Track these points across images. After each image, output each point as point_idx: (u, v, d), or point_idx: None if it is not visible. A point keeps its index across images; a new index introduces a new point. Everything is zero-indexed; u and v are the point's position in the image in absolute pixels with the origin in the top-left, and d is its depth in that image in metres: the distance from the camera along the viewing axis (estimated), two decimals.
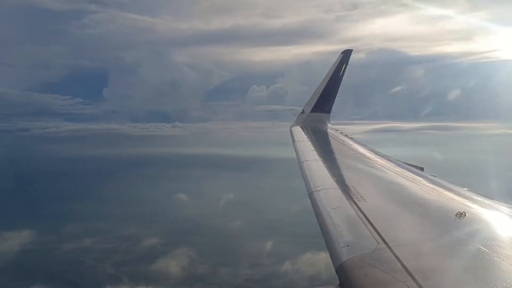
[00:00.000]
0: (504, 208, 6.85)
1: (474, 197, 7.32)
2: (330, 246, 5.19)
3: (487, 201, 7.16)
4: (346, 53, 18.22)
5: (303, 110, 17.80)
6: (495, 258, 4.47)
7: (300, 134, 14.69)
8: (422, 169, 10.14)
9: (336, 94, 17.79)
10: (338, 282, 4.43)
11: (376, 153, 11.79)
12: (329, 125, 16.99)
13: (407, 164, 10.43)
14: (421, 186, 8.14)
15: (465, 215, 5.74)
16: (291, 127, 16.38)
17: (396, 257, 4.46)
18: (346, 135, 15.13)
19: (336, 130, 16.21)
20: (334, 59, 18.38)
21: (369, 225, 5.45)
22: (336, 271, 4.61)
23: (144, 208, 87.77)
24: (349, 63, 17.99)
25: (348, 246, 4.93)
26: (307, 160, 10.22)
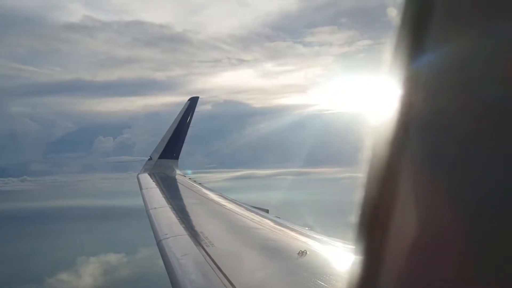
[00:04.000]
0: (340, 244, 7.43)
1: (314, 236, 7.82)
2: None
3: (325, 238, 7.70)
4: (193, 100, 18.61)
5: (150, 157, 17.50)
6: None
7: (147, 181, 14.34)
8: (267, 211, 10.58)
9: (184, 140, 17.90)
10: None
11: (225, 198, 12.01)
12: (178, 171, 16.92)
13: (253, 207, 10.79)
14: (266, 228, 8.45)
15: (306, 253, 6.06)
16: (138, 174, 15.93)
17: None
18: (195, 181, 15.19)
19: (185, 176, 16.19)
20: None
21: (217, 270, 5.44)
22: None
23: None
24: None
25: None
26: (155, 208, 9.96)
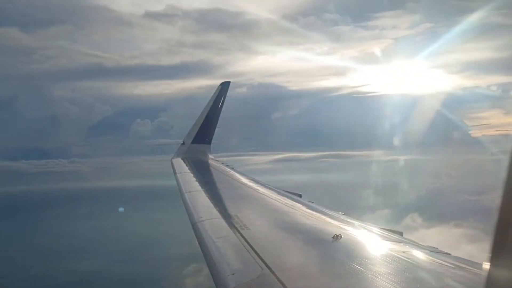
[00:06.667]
0: (374, 229, 7.41)
1: (348, 220, 7.82)
2: (215, 275, 5.14)
3: (360, 223, 7.68)
4: (224, 85, 18.66)
5: (183, 141, 17.69)
6: (369, 276, 4.76)
7: (181, 165, 14.53)
8: (300, 196, 10.59)
9: (216, 125, 18.01)
10: None
11: (257, 182, 12.07)
12: (210, 155, 17.07)
13: (286, 191, 10.82)
14: (300, 212, 8.48)
15: (341, 237, 6.06)
16: (172, 159, 16.15)
17: (280, 281, 4.53)
18: (227, 165, 15.30)
19: (218, 160, 16.33)
20: None
21: (253, 252, 5.49)
22: None
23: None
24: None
25: (233, 274, 4.92)
26: (189, 192, 10.11)
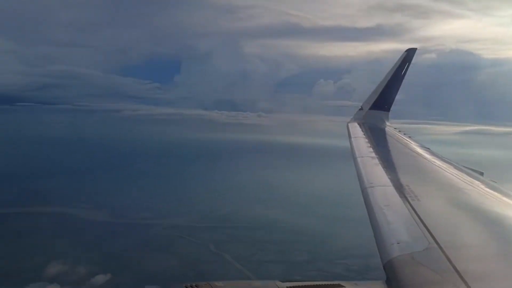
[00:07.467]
0: None
1: None
2: (379, 242, 5.22)
3: None
4: (410, 52, 17.73)
5: (361, 107, 17.53)
6: None
7: (356, 130, 14.53)
8: (482, 174, 9.83)
9: (397, 93, 17.40)
10: (385, 278, 4.48)
11: (433, 154, 11.51)
12: (388, 123, 16.67)
13: (465, 167, 10.14)
14: (478, 190, 7.93)
15: None
16: (348, 122, 16.21)
17: (447, 258, 4.44)
18: (405, 133, 14.82)
19: (395, 128, 15.90)
20: None
21: (421, 225, 5.43)
22: (384, 267, 4.66)
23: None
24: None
25: (398, 243, 4.96)
26: (362, 157, 10.16)
